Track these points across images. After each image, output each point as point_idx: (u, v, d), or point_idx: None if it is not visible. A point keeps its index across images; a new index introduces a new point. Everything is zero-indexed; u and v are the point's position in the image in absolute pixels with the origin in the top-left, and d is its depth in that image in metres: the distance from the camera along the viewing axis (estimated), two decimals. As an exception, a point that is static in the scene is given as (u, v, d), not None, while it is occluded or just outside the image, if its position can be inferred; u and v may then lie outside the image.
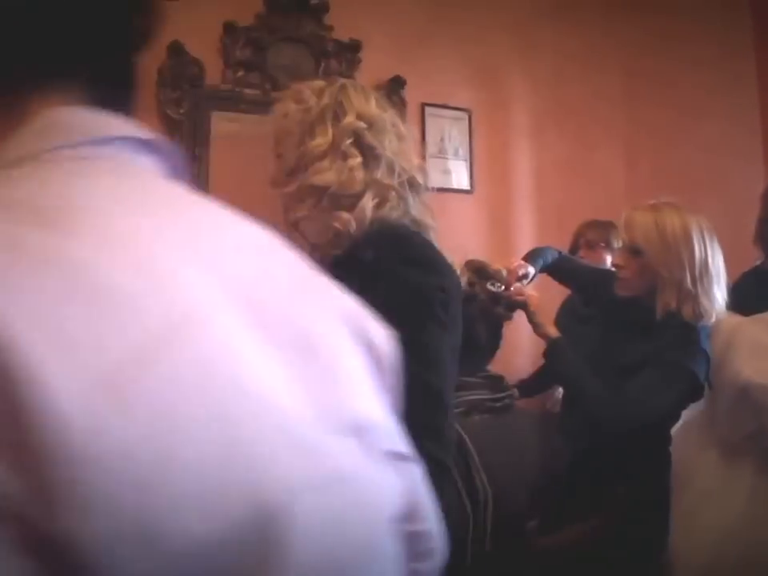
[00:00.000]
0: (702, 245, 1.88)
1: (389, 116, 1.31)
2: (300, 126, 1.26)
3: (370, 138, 1.25)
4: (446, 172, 3.44)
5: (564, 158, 3.77)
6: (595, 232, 3.07)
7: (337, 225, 1.21)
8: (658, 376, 1.81)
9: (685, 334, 1.84)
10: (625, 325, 1.99)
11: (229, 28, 3.07)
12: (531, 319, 1.98)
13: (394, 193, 1.24)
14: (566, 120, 3.78)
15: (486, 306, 1.73)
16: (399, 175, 1.26)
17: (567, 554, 1.79)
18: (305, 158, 1.25)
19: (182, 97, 2.98)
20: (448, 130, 3.49)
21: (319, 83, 1.31)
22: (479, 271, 1.79)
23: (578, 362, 1.92)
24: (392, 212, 1.23)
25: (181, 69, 2.97)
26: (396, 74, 3.31)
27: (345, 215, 1.20)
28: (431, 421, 1.05)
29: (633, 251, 1.93)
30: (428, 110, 3.44)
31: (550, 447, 1.70)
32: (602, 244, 3.04)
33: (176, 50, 2.96)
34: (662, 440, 1.96)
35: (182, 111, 2.97)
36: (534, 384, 2.52)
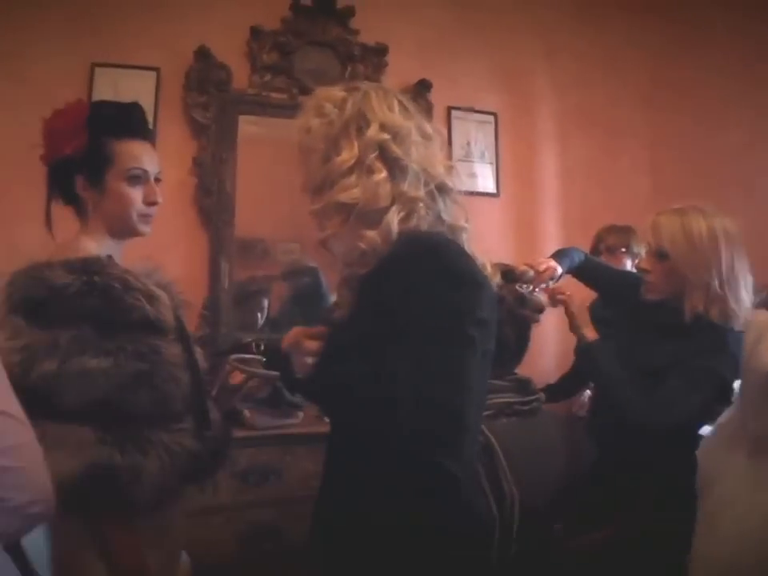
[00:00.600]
0: (729, 247, 1.87)
1: (414, 121, 1.27)
2: (325, 141, 1.24)
3: (394, 149, 1.21)
4: (472, 175, 3.45)
5: (588, 162, 3.76)
6: (616, 237, 3.06)
7: (362, 245, 1.18)
8: (687, 379, 1.80)
9: (713, 336, 1.84)
10: (652, 328, 1.99)
11: (255, 32, 3.10)
12: (570, 320, 2.00)
13: (421, 204, 1.21)
14: (590, 124, 3.77)
15: (513, 308, 1.73)
16: (427, 184, 1.23)
17: (593, 555, 1.79)
18: (331, 174, 1.22)
19: (209, 101, 3.02)
20: (474, 134, 3.50)
21: (340, 93, 1.27)
22: (506, 273, 1.78)
23: (610, 365, 1.92)
24: (421, 223, 1.20)
25: (208, 73, 3.01)
26: (422, 77, 3.33)
27: (370, 233, 1.18)
28: (450, 438, 1.04)
29: (659, 255, 1.93)
30: (454, 113, 3.46)
31: (577, 450, 1.71)
32: (623, 249, 3.03)
33: (203, 54, 3.00)
34: (689, 442, 1.96)
35: (209, 115, 3.01)
36: (561, 388, 2.51)
